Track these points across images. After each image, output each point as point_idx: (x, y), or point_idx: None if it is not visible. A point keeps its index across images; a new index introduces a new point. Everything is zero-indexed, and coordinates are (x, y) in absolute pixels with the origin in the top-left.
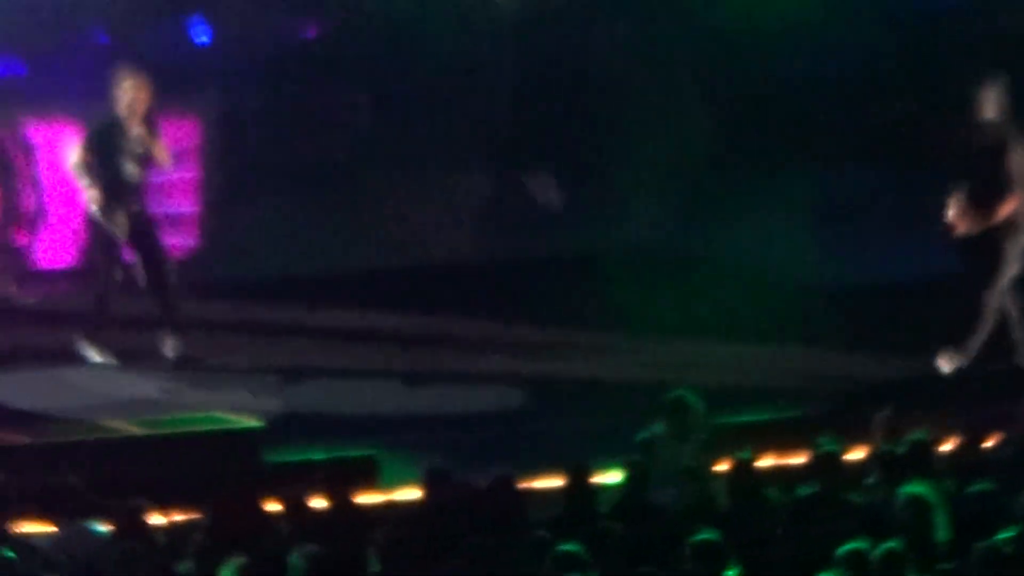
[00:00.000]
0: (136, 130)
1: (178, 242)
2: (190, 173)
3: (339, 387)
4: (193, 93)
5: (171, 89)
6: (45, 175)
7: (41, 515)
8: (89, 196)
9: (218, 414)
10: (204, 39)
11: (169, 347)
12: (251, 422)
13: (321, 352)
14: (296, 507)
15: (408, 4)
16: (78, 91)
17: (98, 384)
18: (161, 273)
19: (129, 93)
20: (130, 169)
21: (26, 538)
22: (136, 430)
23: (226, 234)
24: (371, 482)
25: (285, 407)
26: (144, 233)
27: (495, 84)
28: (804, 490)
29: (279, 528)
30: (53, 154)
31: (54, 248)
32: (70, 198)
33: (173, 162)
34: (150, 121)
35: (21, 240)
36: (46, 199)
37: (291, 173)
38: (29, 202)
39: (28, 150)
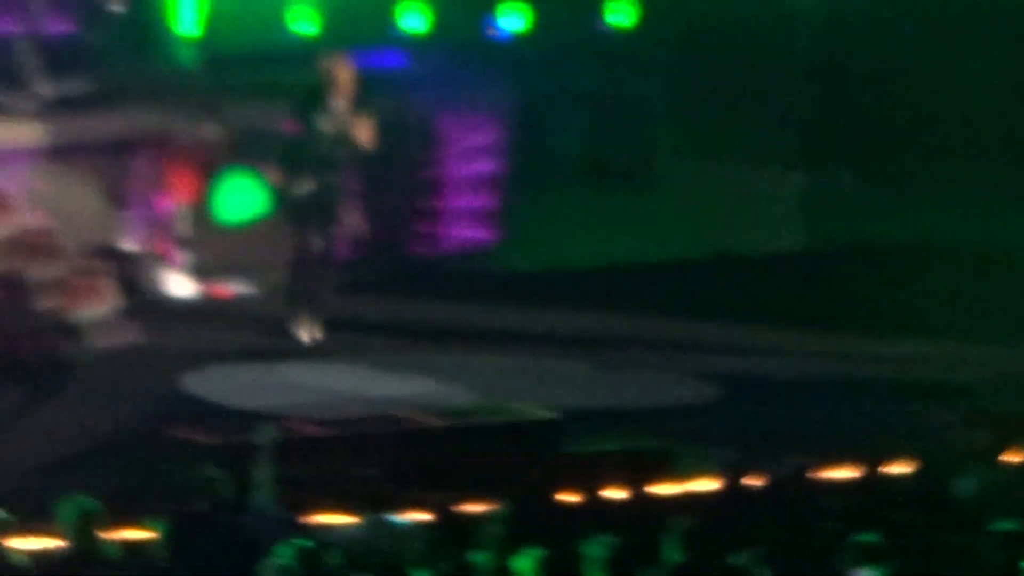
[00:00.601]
0: (341, 110)
1: (478, 235)
2: (488, 167)
3: (635, 379)
4: (492, 86)
5: (471, 82)
6: None
7: (341, 507)
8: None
9: (515, 405)
10: (505, 31)
11: (305, 332)
12: (547, 413)
13: (620, 346)
14: (592, 498)
15: None
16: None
17: (384, 378)
18: (328, 253)
19: (334, 74)
20: (331, 149)
21: (327, 530)
22: (434, 421)
23: (526, 227)
24: (666, 473)
25: (582, 398)
26: (331, 213)
27: (794, 76)
28: None
29: (575, 519)
30: None
31: None
32: None
33: (374, 144)
34: (355, 102)
35: None
36: None
37: (590, 166)
38: None
39: None
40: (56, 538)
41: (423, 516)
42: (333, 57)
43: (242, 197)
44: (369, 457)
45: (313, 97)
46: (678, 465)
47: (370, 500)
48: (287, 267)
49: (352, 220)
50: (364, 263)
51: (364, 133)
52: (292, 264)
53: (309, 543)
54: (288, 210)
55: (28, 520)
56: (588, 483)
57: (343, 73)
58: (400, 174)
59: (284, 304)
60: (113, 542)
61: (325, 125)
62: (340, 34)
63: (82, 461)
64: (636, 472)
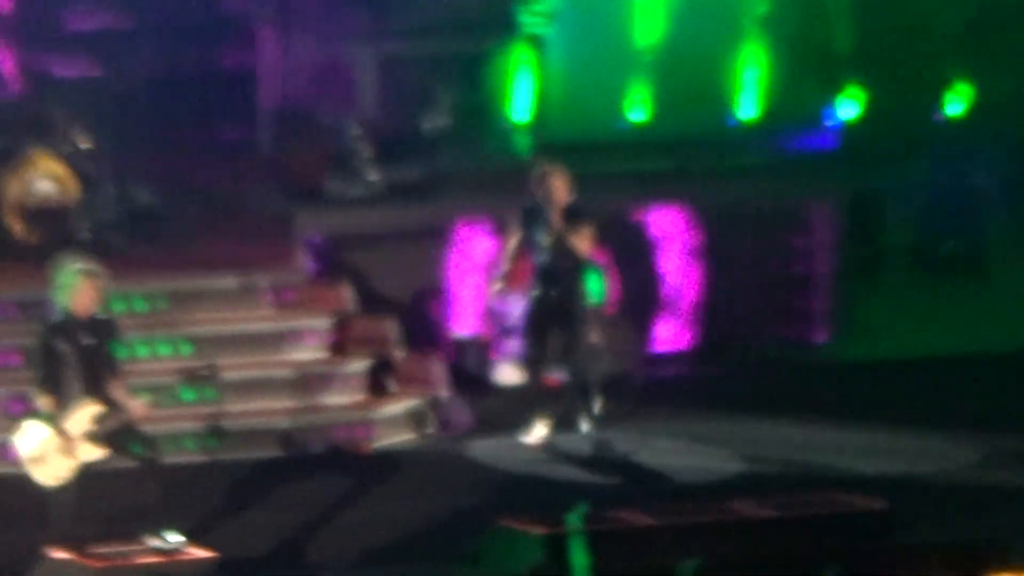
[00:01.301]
0: (556, 220)
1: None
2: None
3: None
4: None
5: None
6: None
7: None
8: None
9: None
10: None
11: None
12: (876, 503)
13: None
14: None
15: None
16: None
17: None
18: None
19: (550, 182)
20: (548, 258)
21: None
22: (760, 511)
23: (856, 317)
24: (1003, 566)
25: (914, 486)
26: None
27: None
28: None
29: None
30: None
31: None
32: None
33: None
34: (572, 211)
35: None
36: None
37: (922, 254)
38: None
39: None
40: None
41: None
42: (547, 166)
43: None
44: (694, 546)
45: (533, 209)
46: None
47: None
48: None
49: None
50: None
51: (582, 243)
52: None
53: None
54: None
55: None
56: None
57: (559, 182)
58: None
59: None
60: None
61: (542, 237)
62: (671, 122)
63: (406, 549)
64: (971, 565)
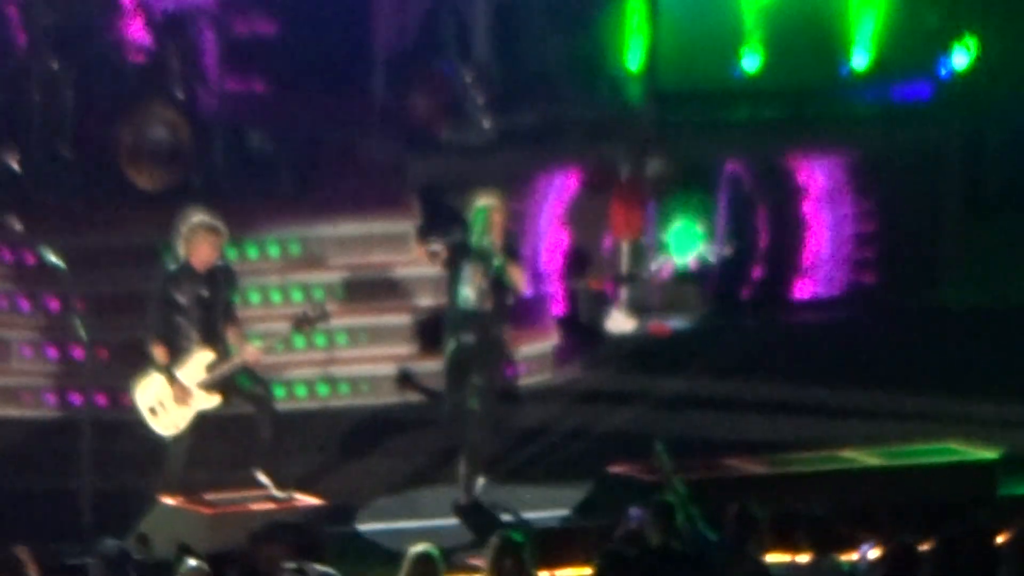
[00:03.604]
0: (492, 252)
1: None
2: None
3: None
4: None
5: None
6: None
7: (794, 545)
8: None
9: (953, 445)
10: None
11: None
12: (987, 454)
13: None
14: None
15: None
16: None
17: None
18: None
19: (486, 213)
20: (477, 295)
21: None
22: (873, 460)
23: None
24: None
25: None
26: (486, 361)
27: None
28: None
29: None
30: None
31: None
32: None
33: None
34: (507, 243)
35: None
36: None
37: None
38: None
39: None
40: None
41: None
42: (489, 195)
43: (683, 234)
44: (813, 496)
45: (464, 239)
46: None
47: (817, 539)
48: None
49: None
50: None
51: (516, 276)
52: None
53: None
54: None
55: None
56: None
57: (498, 213)
58: None
59: None
60: None
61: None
62: (783, 72)
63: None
64: None
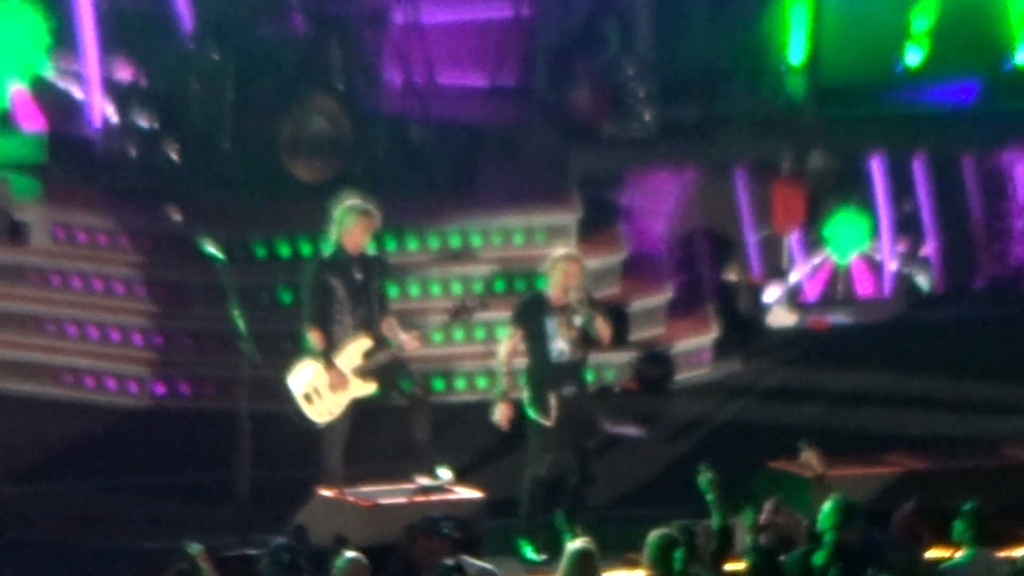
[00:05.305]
0: (576, 305)
1: None
2: None
3: None
4: None
5: None
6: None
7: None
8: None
9: None
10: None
11: None
12: None
13: None
14: None
15: None
16: None
17: None
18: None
19: (562, 269)
20: (571, 347)
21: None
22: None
23: None
24: None
25: None
26: (577, 419)
27: None
28: None
29: None
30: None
31: None
32: None
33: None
34: (588, 295)
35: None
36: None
37: None
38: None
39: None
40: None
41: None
42: (566, 247)
43: (847, 228)
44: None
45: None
46: None
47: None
48: None
49: None
50: None
51: (601, 329)
52: None
53: None
54: None
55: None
56: None
57: (576, 264)
58: None
59: None
60: None
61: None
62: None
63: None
64: None
